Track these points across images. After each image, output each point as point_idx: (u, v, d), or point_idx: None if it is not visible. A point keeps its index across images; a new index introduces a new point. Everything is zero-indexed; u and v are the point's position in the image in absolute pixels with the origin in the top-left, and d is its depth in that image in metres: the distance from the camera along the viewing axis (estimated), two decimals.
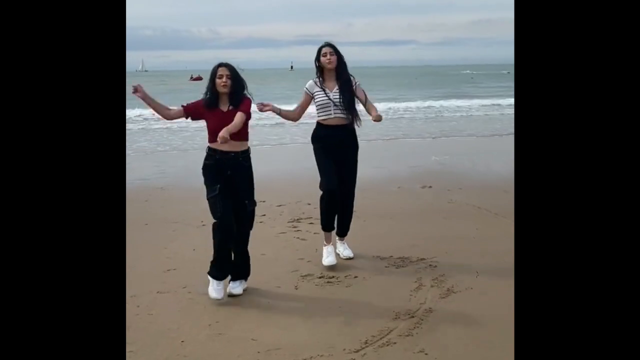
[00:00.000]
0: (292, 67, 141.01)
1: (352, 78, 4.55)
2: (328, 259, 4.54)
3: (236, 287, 4.01)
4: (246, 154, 3.97)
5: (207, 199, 3.93)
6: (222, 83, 3.84)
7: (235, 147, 3.87)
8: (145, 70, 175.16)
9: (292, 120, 4.73)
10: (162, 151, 11.70)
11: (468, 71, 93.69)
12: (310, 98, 4.59)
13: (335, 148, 4.51)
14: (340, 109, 4.48)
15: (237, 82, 3.88)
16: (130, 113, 18.31)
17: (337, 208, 4.62)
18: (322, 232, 4.70)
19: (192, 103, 4.01)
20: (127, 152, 10.98)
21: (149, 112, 20.07)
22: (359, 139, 4.66)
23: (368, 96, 4.56)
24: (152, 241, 5.30)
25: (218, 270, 3.92)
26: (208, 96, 3.93)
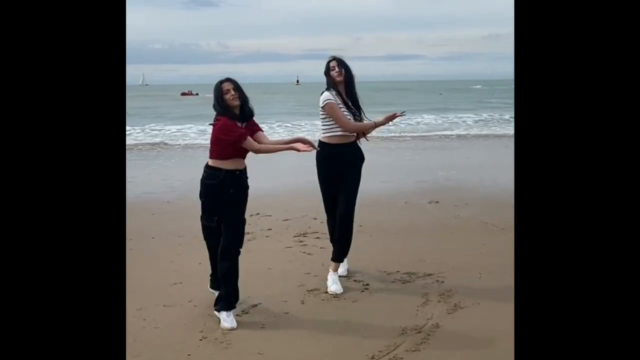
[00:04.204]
0: (297, 82, 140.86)
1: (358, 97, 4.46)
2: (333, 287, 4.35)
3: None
4: (246, 172, 3.92)
5: (202, 223, 3.92)
6: (232, 97, 3.76)
7: (240, 164, 3.82)
8: (146, 85, 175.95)
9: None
10: (168, 165, 11.74)
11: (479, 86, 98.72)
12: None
13: (340, 166, 4.38)
14: None
15: (243, 93, 3.82)
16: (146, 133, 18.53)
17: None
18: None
19: (236, 126, 3.76)
20: (135, 165, 11.02)
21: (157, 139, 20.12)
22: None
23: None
24: (158, 254, 5.31)
25: (235, 299, 3.86)
26: (229, 112, 3.75)
